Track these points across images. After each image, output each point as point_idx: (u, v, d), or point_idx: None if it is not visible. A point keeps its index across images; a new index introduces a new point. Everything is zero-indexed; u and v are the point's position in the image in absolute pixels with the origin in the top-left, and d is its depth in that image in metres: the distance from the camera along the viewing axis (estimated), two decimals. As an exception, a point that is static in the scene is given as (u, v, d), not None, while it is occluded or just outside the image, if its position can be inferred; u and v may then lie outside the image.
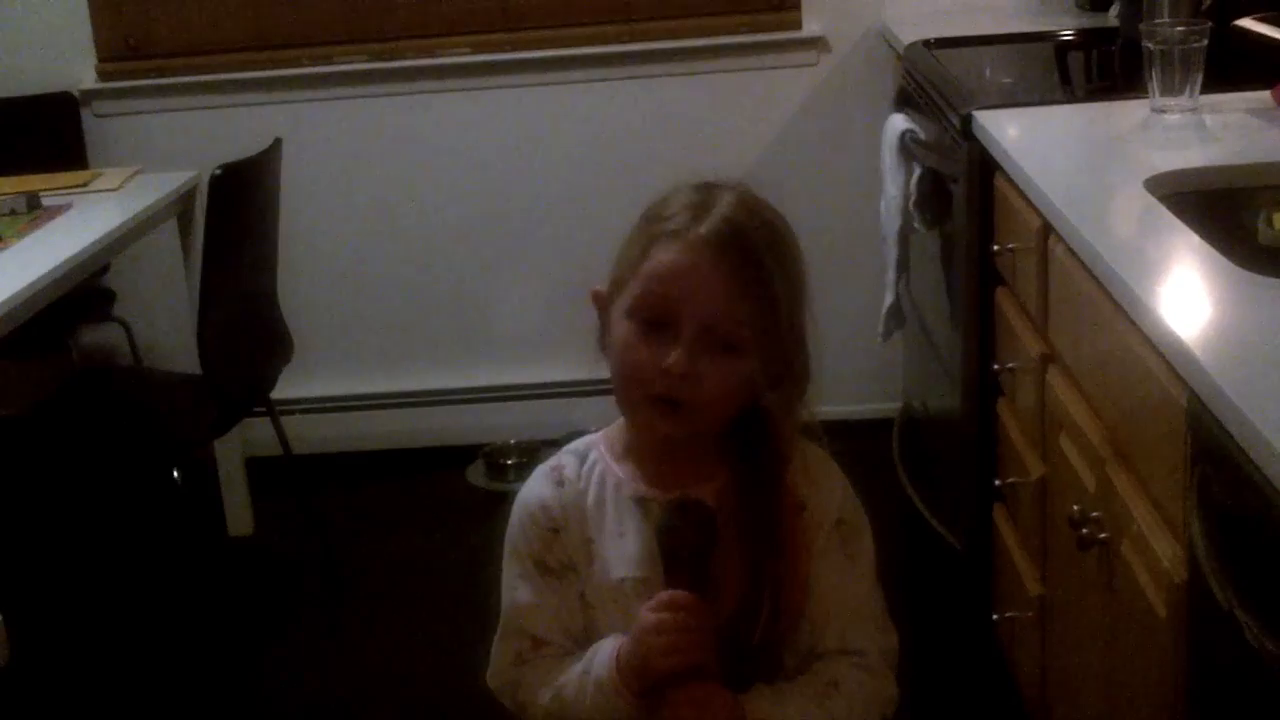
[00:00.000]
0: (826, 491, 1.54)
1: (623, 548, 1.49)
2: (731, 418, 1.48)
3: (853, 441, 4.05)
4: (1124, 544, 1.78)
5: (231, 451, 3.62)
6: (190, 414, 3.20)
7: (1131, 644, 1.79)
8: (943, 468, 3.05)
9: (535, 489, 1.54)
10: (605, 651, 1.46)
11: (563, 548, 1.51)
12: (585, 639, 1.51)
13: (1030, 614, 2.37)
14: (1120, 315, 1.76)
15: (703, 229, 1.43)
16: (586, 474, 1.53)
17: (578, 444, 1.57)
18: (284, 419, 3.51)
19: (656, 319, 1.43)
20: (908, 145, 3.01)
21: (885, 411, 3.79)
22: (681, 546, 1.42)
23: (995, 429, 2.60)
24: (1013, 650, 2.56)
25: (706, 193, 1.48)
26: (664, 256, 1.43)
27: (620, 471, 1.52)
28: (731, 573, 1.45)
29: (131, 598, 3.43)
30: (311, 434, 3.87)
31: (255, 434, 3.59)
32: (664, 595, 1.41)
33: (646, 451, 1.52)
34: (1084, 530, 1.87)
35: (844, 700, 1.51)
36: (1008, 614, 2.54)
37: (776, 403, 1.50)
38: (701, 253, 1.42)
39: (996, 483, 2.54)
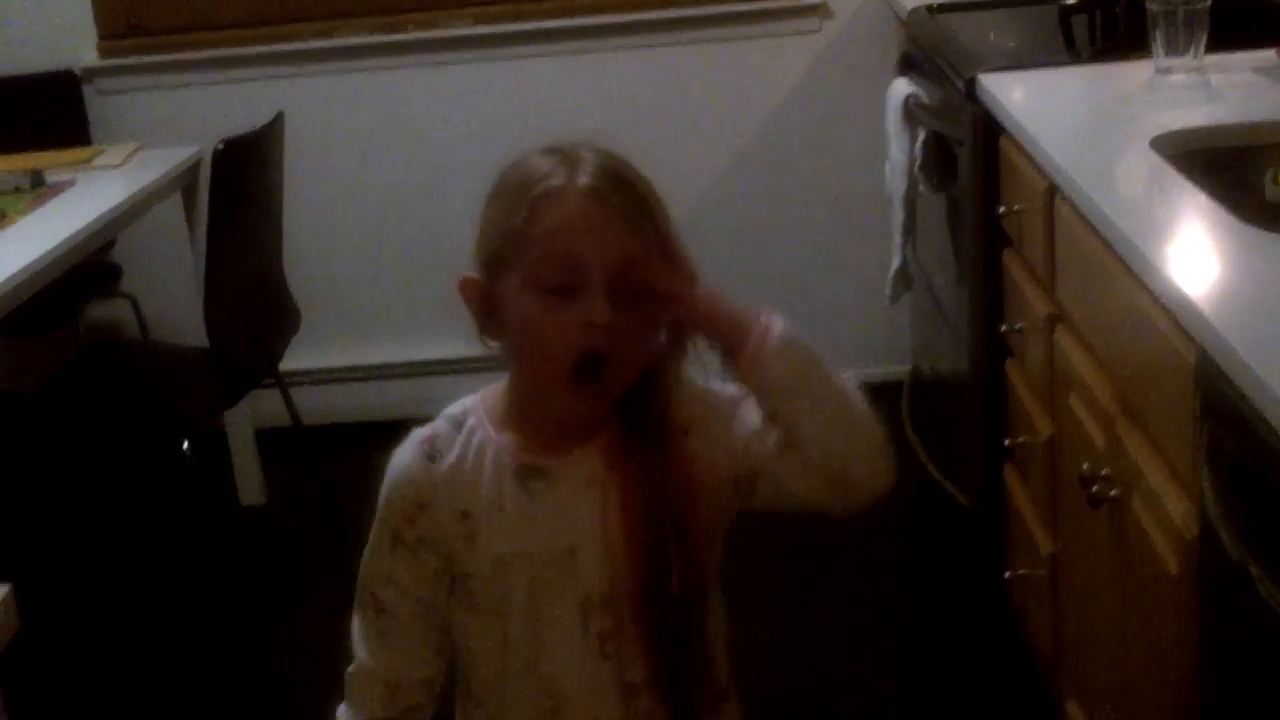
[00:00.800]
0: (721, 426, 1.45)
1: (502, 521, 1.45)
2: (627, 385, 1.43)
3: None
4: (1135, 501, 1.79)
5: (242, 423, 3.63)
6: (199, 387, 3.21)
7: (1144, 599, 1.80)
8: (952, 428, 3.06)
9: (405, 460, 1.49)
10: None
11: (428, 522, 1.47)
12: (446, 613, 1.50)
13: (1042, 572, 2.38)
14: (1128, 274, 1.77)
15: (584, 178, 1.38)
16: (463, 443, 1.47)
17: (454, 409, 1.51)
18: (293, 390, 3.52)
19: (561, 283, 1.36)
20: (912, 109, 3.01)
21: (894, 374, 3.80)
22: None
23: (1004, 389, 2.60)
24: (1025, 608, 2.57)
25: (565, 149, 1.42)
26: (555, 214, 1.37)
27: (500, 440, 1.46)
28: (632, 529, 1.42)
29: (144, 569, 3.45)
30: (320, 404, 3.88)
31: (265, 405, 3.60)
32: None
33: (524, 419, 1.46)
34: (1094, 488, 1.88)
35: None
36: (1020, 572, 2.55)
37: (668, 345, 1.45)
38: (593, 200, 1.37)
39: (1006, 442, 2.55)
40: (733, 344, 1.39)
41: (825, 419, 1.39)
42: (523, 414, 1.47)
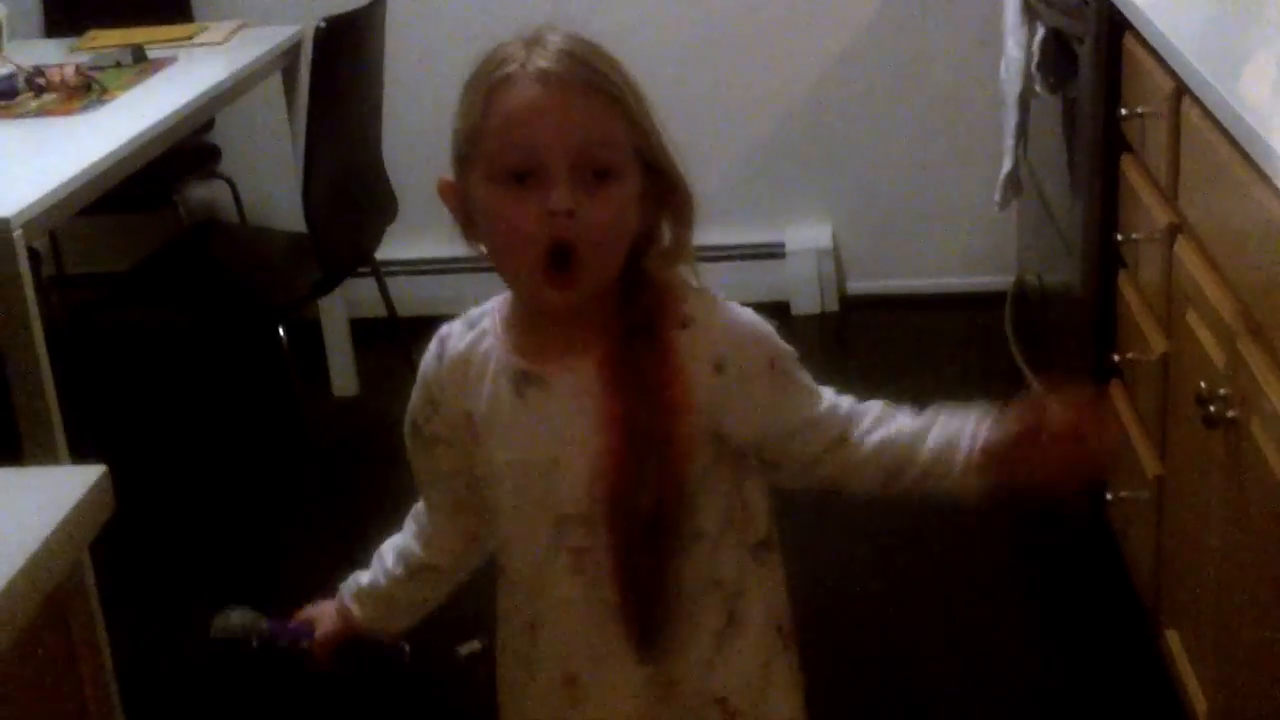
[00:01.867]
0: (749, 339, 1.41)
1: (500, 426, 1.42)
2: (620, 267, 1.37)
3: (964, 314, 4.03)
4: (1254, 423, 1.71)
5: (336, 312, 3.62)
6: (295, 272, 3.20)
7: (1258, 526, 1.73)
8: (1057, 342, 2.97)
9: (426, 357, 1.49)
10: None
11: (440, 421, 1.47)
12: (476, 505, 1.51)
13: (1146, 494, 2.30)
14: (1261, 181, 1.68)
15: (541, 62, 1.32)
16: (472, 342, 1.44)
17: (477, 309, 1.48)
18: (389, 280, 3.50)
19: (521, 168, 1.31)
20: (1031, 4, 2.90)
21: (998, 285, 3.71)
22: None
23: (1114, 303, 2.51)
24: (1126, 531, 2.50)
25: (531, 35, 1.37)
26: (508, 99, 1.32)
27: (506, 344, 1.42)
28: (609, 439, 1.36)
29: (236, 454, 3.47)
30: (416, 295, 3.85)
31: (360, 294, 3.58)
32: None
33: (522, 322, 1.42)
34: (1211, 408, 1.80)
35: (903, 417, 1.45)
36: (1122, 494, 2.47)
37: (671, 244, 1.41)
38: (547, 83, 1.31)
39: (1115, 358, 2.46)
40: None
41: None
42: (520, 319, 1.43)
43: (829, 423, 1.43)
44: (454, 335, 1.46)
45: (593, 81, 1.33)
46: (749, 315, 1.43)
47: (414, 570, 1.62)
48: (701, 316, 1.40)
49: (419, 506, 1.63)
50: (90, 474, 1.18)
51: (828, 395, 1.45)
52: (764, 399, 1.41)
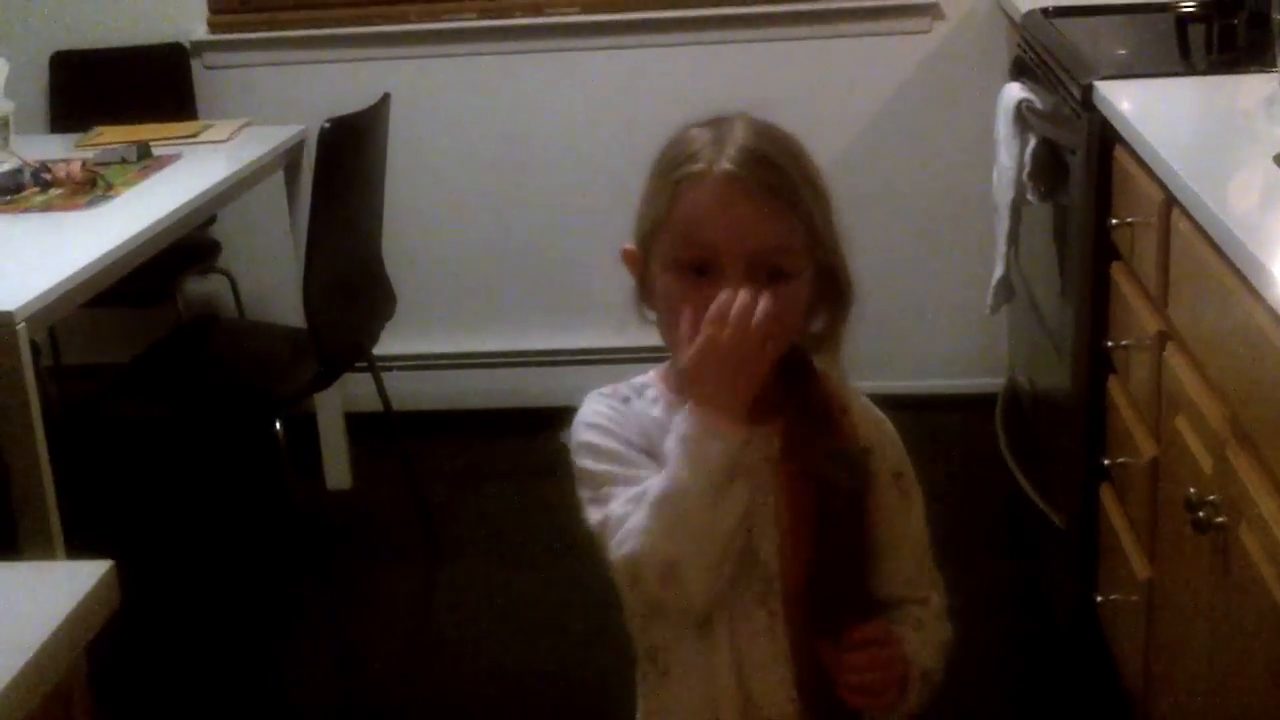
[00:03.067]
0: (887, 440, 1.50)
1: None
2: (776, 360, 1.40)
3: (956, 416, 4.05)
4: (1242, 529, 1.73)
5: (332, 406, 3.64)
6: (293, 367, 3.22)
7: (1246, 632, 1.74)
8: (1048, 445, 2.99)
9: (595, 402, 1.48)
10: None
11: (624, 446, 1.44)
12: None
13: (1136, 597, 2.32)
14: (1247, 292, 1.71)
15: (725, 162, 1.37)
16: (644, 404, 1.47)
17: (633, 379, 1.52)
18: (385, 375, 3.52)
19: (698, 264, 1.37)
20: (1024, 115, 2.95)
21: (990, 386, 3.74)
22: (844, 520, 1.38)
23: (1105, 407, 2.54)
24: (1116, 634, 2.51)
25: (718, 126, 1.42)
26: (693, 198, 1.38)
27: (678, 409, 1.42)
28: (801, 519, 1.41)
29: (230, 547, 3.47)
30: (412, 391, 3.88)
31: (356, 389, 3.60)
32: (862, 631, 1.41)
33: None
34: (1200, 513, 1.82)
35: (928, 633, 1.50)
36: (1112, 596, 2.49)
37: (824, 331, 1.46)
38: (729, 185, 1.37)
39: (1105, 462, 2.49)
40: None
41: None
42: None
43: (916, 569, 1.51)
44: (626, 393, 1.49)
45: (774, 186, 1.38)
46: (890, 424, 1.52)
47: None
48: (854, 407, 1.47)
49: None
50: (96, 569, 1.19)
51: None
52: (889, 503, 1.48)
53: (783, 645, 1.43)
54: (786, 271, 1.38)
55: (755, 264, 1.37)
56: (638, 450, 1.44)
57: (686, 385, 1.38)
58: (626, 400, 1.48)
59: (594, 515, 1.43)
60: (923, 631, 1.49)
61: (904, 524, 1.50)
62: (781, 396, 1.43)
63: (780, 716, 1.44)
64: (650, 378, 1.51)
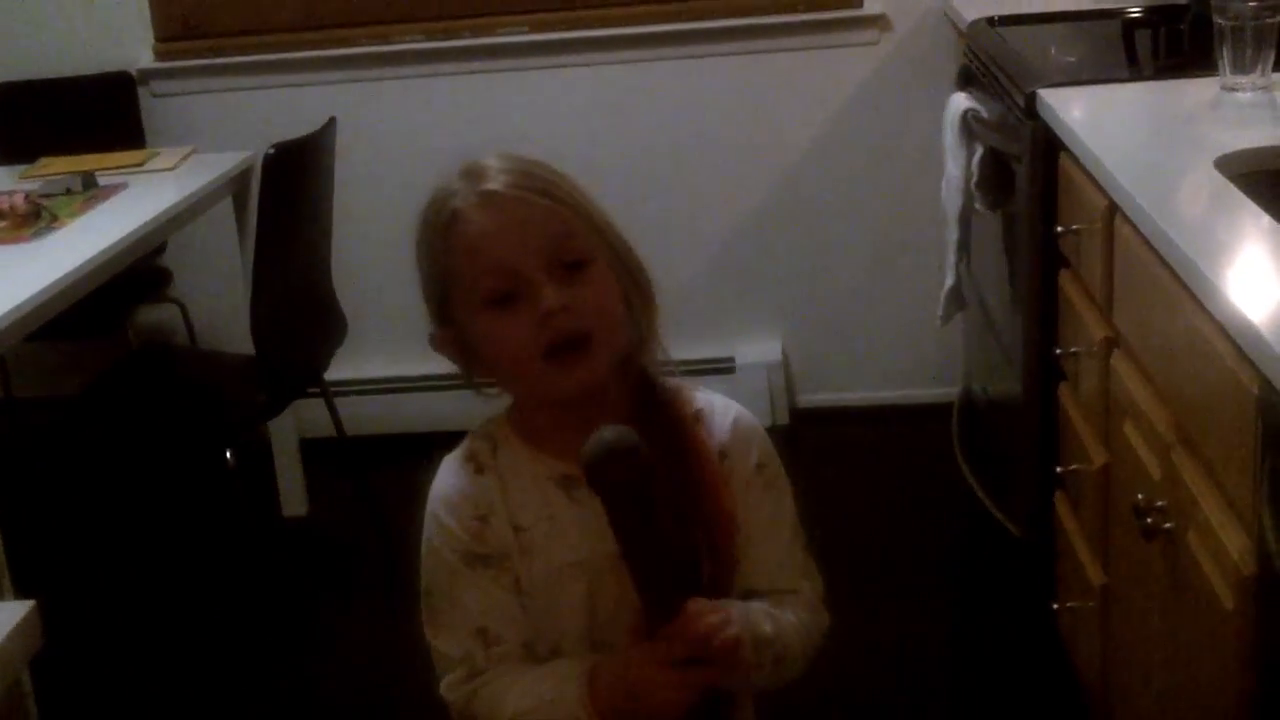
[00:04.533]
0: (748, 436, 1.50)
1: (555, 533, 1.42)
2: (625, 337, 1.42)
3: (911, 426, 4.06)
4: (1190, 534, 1.73)
5: (286, 432, 3.62)
6: (244, 395, 3.20)
7: (1197, 635, 1.74)
8: (1003, 454, 3.00)
9: (450, 480, 1.46)
10: (573, 679, 1.38)
11: (494, 535, 1.43)
12: (529, 625, 1.44)
13: (1092, 603, 2.32)
14: (1189, 298, 1.71)
15: (485, 184, 1.38)
16: (501, 461, 1.45)
17: (485, 427, 1.49)
18: (338, 400, 3.50)
19: (502, 290, 1.36)
20: (970, 124, 2.96)
21: (944, 396, 3.74)
22: (621, 484, 1.29)
23: (1056, 414, 2.54)
24: (1073, 639, 2.51)
25: (468, 166, 1.42)
26: (466, 233, 1.37)
27: (532, 453, 1.44)
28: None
29: (185, 578, 3.44)
30: (365, 415, 3.86)
31: (309, 415, 3.58)
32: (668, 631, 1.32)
33: (549, 430, 1.44)
34: (1148, 519, 1.82)
35: (790, 617, 1.48)
36: (1069, 603, 2.49)
37: (643, 327, 1.45)
38: (492, 201, 1.37)
39: (1058, 469, 2.49)
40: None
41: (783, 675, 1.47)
42: (545, 429, 1.45)
43: (785, 558, 1.49)
44: (481, 453, 1.46)
45: (537, 187, 1.38)
46: (750, 419, 1.51)
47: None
48: (708, 413, 1.48)
49: (463, 657, 1.45)
50: (18, 610, 1.17)
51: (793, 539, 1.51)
52: (751, 497, 1.47)
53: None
54: (582, 258, 1.38)
55: (552, 262, 1.36)
56: (476, 556, 1.42)
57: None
58: (480, 470, 1.45)
59: (427, 625, 1.49)
60: (778, 610, 1.46)
61: (768, 515, 1.49)
62: (623, 413, 1.41)
63: None
64: (497, 424, 1.48)
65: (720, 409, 1.51)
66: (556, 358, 1.36)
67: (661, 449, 1.37)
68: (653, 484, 1.29)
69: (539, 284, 1.35)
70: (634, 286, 1.44)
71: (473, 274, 1.37)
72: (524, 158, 1.42)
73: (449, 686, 1.46)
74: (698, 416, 1.47)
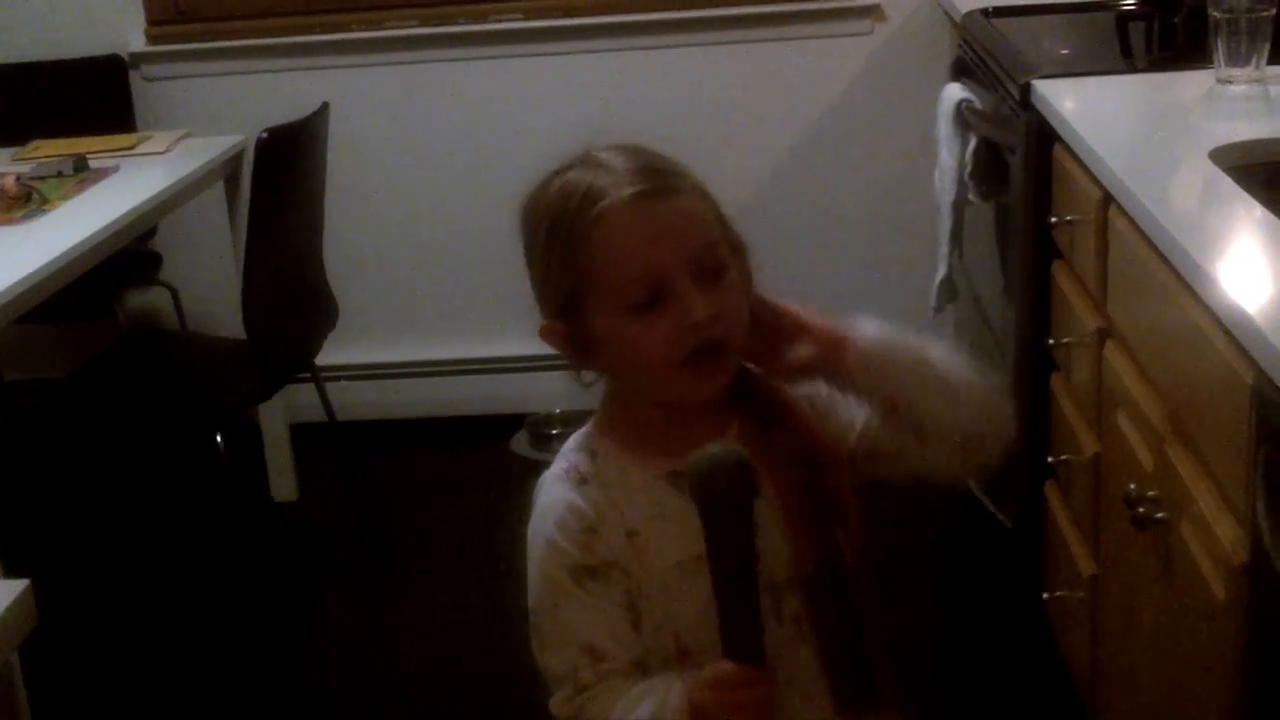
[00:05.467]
0: (845, 406, 1.47)
1: (670, 531, 1.40)
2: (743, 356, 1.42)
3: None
4: (1182, 524, 1.73)
5: (276, 417, 3.61)
6: (235, 379, 3.19)
7: (1188, 625, 1.74)
8: (994, 444, 2.99)
9: (557, 493, 1.43)
10: (676, 693, 1.36)
11: (604, 545, 1.41)
12: (639, 640, 1.42)
13: (1082, 594, 2.32)
14: (1184, 289, 1.71)
15: (627, 188, 1.34)
16: (602, 468, 1.43)
17: (575, 443, 1.47)
18: (328, 385, 3.50)
19: (648, 297, 1.34)
20: (964, 115, 2.96)
21: (936, 386, 3.74)
22: (722, 499, 1.31)
23: (1048, 405, 2.55)
24: (1063, 630, 2.51)
25: (589, 162, 1.39)
26: (614, 236, 1.34)
27: (635, 458, 1.43)
28: (792, 507, 1.39)
29: (174, 562, 3.43)
30: (356, 400, 3.85)
31: (300, 400, 3.57)
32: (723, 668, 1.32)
33: (650, 430, 1.43)
34: (1140, 509, 1.83)
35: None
36: (1058, 593, 2.49)
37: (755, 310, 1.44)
38: (644, 205, 1.34)
39: (1049, 459, 2.49)
40: (831, 355, 1.40)
41: (934, 397, 1.41)
42: (649, 428, 1.44)
43: None
44: (581, 464, 1.44)
45: (678, 186, 1.37)
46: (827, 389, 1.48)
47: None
48: (819, 402, 1.45)
49: (571, 675, 1.42)
50: (11, 589, 1.17)
51: None
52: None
53: (811, 651, 1.41)
54: (724, 264, 1.38)
55: (699, 271, 1.35)
56: (587, 570, 1.40)
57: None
58: (584, 481, 1.43)
59: (536, 646, 1.44)
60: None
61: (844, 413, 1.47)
62: (725, 404, 1.42)
63: None
64: (591, 434, 1.47)
65: (816, 394, 1.47)
66: (695, 364, 1.36)
67: (766, 440, 1.39)
68: (751, 511, 1.31)
69: (685, 292, 1.34)
70: (749, 287, 1.44)
71: (619, 278, 1.34)
72: (643, 149, 1.41)
73: (557, 704, 1.43)
74: (811, 405, 1.45)
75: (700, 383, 1.38)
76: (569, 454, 1.47)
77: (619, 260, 1.34)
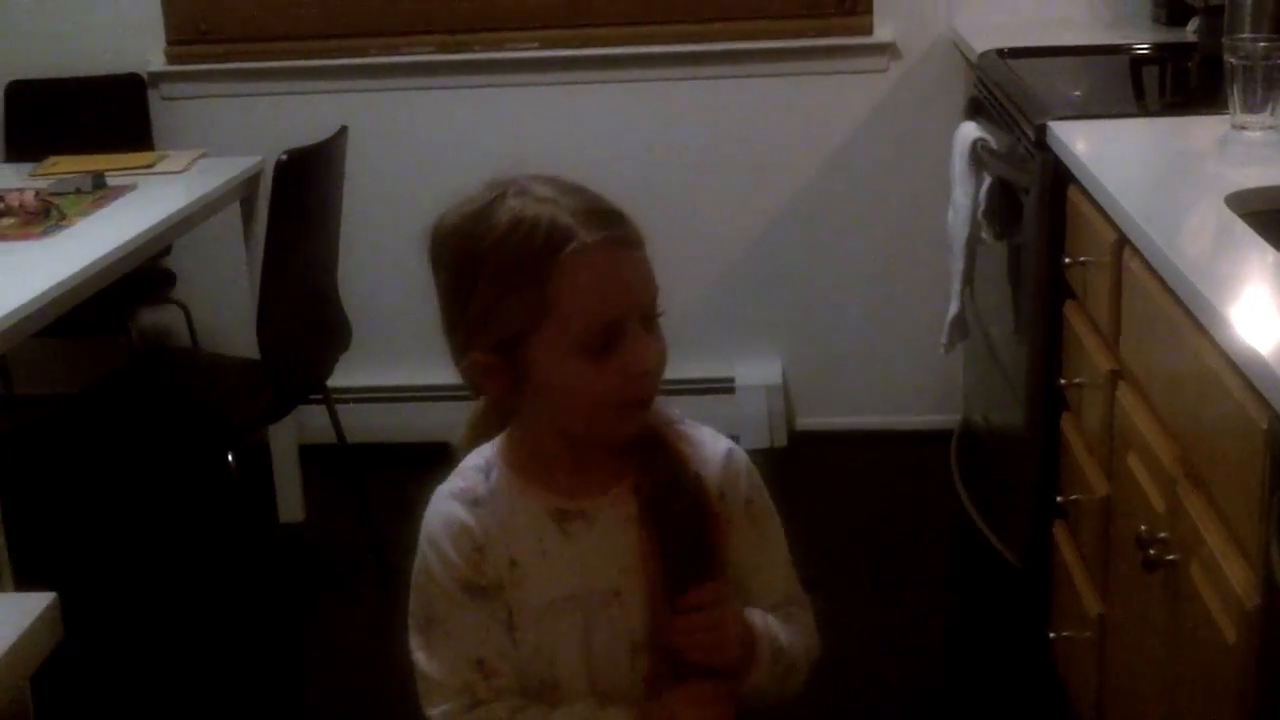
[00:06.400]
0: (737, 472, 1.48)
1: (549, 567, 1.42)
2: None
3: (910, 452, 4.07)
4: (1193, 566, 1.74)
5: (286, 438, 3.62)
6: (246, 399, 3.20)
7: (1197, 668, 1.75)
8: (1002, 482, 3.01)
9: (445, 511, 1.44)
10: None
11: (490, 567, 1.42)
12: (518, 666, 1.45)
13: (1088, 634, 2.33)
14: (1199, 332, 1.72)
15: (597, 231, 1.33)
16: (494, 490, 1.44)
17: (473, 460, 1.47)
18: (340, 407, 3.51)
19: (606, 338, 1.34)
20: (979, 154, 2.98)
21: (944, 423, 3.76)
22: (683, 533, 1.35)
23: (1058, 444, 2.55)
24: (1069, 669, 2.52)
25: (529, 194, 1.38)
26: (581, 277, 1.32)
27: (531, 487, 1.44)
28: (655, 559, 1.40)
29: (182, 581, 3.44)
30: (366, 423, 3.87)
31: (310, 421, 3.58)
32: (693, 595, 1.38)
33: (553, 463, 1.43)
34: (1151, 551, 1.83)
35: (796, 633, 1.50)
36: (1064, 633, 2.50)
37: None
38: (610, 251, 1.34)
39: (1058, 499, 2.50)
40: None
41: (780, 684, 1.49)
42: (551, 460, 1.44)
43: (782, 589, 1.50)
44: (476, 486, 1.45)
45: (633, 236, 1.37)
46: (739, 453, 1.50)
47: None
48: (698, 447, 1.46)
49: (463, 690, 1.45)
50: (39, 601, 1.17)
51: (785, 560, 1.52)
52: (741, 530, 1.47)
53: (639, 692, 1.44)
54: (658, 307, 1.39)
55: (646, 315, 1.37)
56: (475, 586, 1.42)
57: None
58: (476, 503, 1.44)
59: (414, 644, 1.49)
60: (790, 622, 1.50)
61: (759, 545, 1.49)
62: (625, 452, 1.43)
63: None
64: (491, 455, 1.47)
65: (710, 443, 1.49)
66: (625, 409, 1.37)
67: (665, 494, 1.40)
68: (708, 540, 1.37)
69: (638, 340, 1.34)
70: None
71: (580, 321, 1.33)
72: (592, 190, 1.40)
73: (444, 715, 1.46)
74: (689, 451, 1.46)
75: (625, 425, 1.40)
76: (466, 473, 1.47)
77: (584, 304, 1.33)
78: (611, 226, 1.35)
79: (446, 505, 1.45)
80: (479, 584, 1.43)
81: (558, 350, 1.35)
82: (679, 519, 1.39)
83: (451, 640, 1.44)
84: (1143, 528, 1.90)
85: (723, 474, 1.47)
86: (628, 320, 1.34)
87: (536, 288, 1.33)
